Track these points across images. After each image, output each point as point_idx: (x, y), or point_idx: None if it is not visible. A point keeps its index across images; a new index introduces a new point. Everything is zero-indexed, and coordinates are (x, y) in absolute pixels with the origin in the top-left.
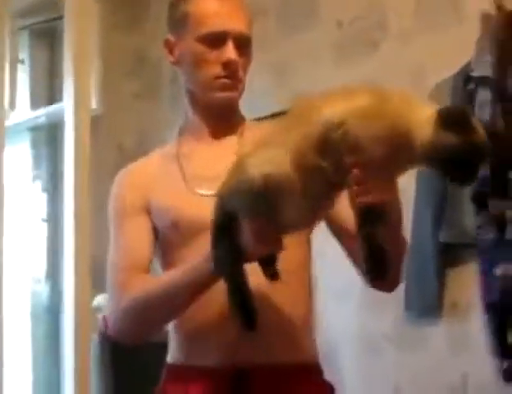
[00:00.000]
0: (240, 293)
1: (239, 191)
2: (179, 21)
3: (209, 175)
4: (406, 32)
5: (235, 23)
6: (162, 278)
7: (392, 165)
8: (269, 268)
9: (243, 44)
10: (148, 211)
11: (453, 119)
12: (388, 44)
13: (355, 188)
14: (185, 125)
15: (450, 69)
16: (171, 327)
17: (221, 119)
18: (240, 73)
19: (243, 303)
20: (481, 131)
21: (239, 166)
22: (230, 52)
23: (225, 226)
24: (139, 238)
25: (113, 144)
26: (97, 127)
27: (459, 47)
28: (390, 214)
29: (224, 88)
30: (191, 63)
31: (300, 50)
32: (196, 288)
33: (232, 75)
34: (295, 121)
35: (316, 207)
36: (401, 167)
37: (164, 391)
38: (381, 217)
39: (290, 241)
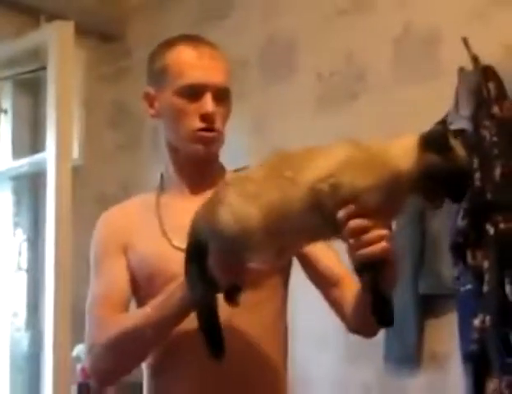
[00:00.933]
0: (209, 321)
1: (210, 227)
2: (158, 74)
3: (187, 228)
4: (384, 84)
5: (213, 75)
6: (136, 314)
7: (387, 208)
8: (232, 295)
9: (222, 96)
10: (125, 252)
11: (434, 140)
12: (367, 96)
13: (352, 242)
14: (166, 177)
15: (428, 122)
16: (144, 378)
17: (201, 172)
18: (219, 125)
19: (212, 331)
20: (461, 148)
21: (216, 201)
22: (208, 104)
23: (197, 253)
24: (117, 277)
25: (95, 195)
26: (79, 177)
27: (436, 100)
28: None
29: (203, 141)
30: (170, 116)
31: (280, 101)
32: (170, 319)
33: (211, 128)
34: (272, 176)
35: (283, 253)
36: (395, 207)
37: None
38: (383, 265)
39: (266, 294)
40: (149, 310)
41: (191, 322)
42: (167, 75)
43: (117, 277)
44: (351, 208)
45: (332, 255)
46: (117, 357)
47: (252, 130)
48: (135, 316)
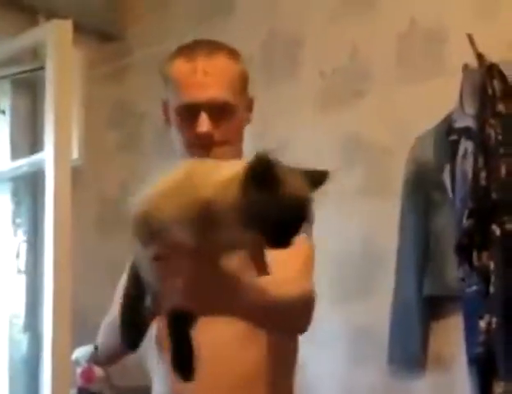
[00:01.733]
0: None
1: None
2: (164, 83)
3: None
4: (389, 82)
5: (207, 91)
6: None
7: (203, 247)
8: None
9: (221, 110)
10: None
11: (257, 173)
12: (371, 95)
13: (160, 286)
14: None
15: (432, 119)
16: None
17: None
18: (219, 139)
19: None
20: (293, 184)
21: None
22: (201, 125)
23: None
24: None
25: (95, 195)
26: (78, 178)
27: (441, 98)
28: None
29: (197, 157)
30: (174, 128)
31: (283, 98)
32: None
33: (208, 146)
34: None
35: None
36: (217, 245)
37: None
38: (192, 320)
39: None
40: None
41: None
42: (169, 89)
43: None
44: (156, 247)
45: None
46: (107, 342)
47: (254, 128)
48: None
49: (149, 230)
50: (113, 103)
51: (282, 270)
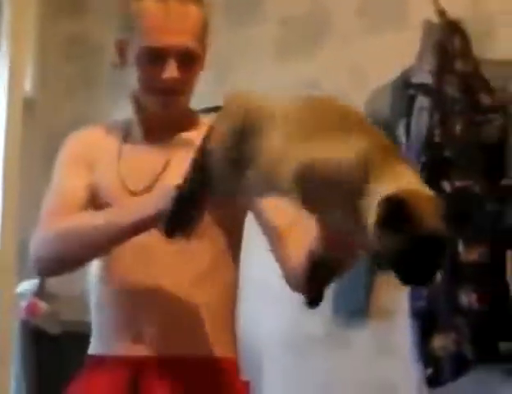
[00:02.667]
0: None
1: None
2: (126, 23)
3: (140, 175)
4: (349, 32)
5: (178, 37)
6: (93, 213)
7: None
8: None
9: (188, 58)
10: (91, 170)
11: (391, 213)
12: (330, 44)
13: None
14: (130, 122)
15: (390, 73)
16: (92, 316)
17: (161, 129)
18: (183, 88)
19: (181, 214)
20: (429, 221)
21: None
22: (169, 71)
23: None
24: (78, 183)
25: (46, 130)
26: (30, 111)
27: (400, 52)
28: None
29: (162, 104)
30: (136, 71)
31: (243, 45)
32: (125, 228)
33: (170, 92)
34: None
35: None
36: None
37: (74, 380)
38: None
39: (203, 244)
40: (109, 214)
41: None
42: (134, 30)
43: (79, 182)
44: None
45: (280, 205)
46: (63, 248)
47: (214, 74)
48: (92, 214)
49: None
50: (70, 36)
51: None
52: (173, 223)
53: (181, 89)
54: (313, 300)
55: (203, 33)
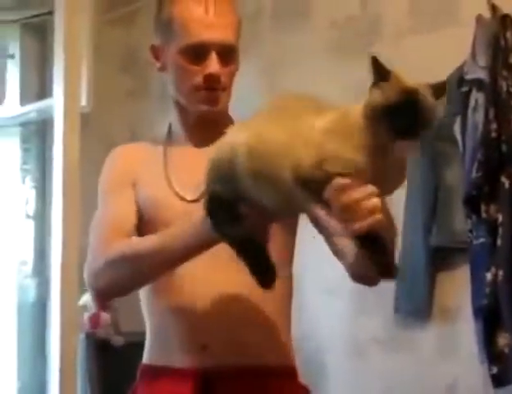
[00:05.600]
0: (253, 252)
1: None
2: (164, 26)
3: (189, 180)
4: (400, 33)
5: (218, 32)
6: (151, 237)
7: (376, 169)
8: (262, 272)
9: (227, 53)
10: (133, 187)
11: (375, 73)
12: (382, 45)
13: (344, 217)
14: (173, 128)
15: (443, 71)
16: (146, 327)
17: (206, 129)
18: (224, 83)
19: (257, 261)
20: (401, 81)
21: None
22: (212, 65)
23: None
24: (125, 206)
25: (103, 142)
26: (87, 124)
27: (453, 49)
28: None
29: (205, 101)
30: (175, 73)
31: (293, 49)
32: (188, 250)
33: (214, 88)
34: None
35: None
36: (385, 164)
37: (134, 390)
38: (381, 239)
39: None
40: (163, 237)
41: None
42: (172, 30)
43: (126, 206)
44: (339, 182)
45: None
46: (121, 275)
47: (264, 80)
48: (146, 240)
49: (325, 175)
50: (123, 49)
51: None
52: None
53: (224, 84)
54: (389, 271)
55: (239, 29)
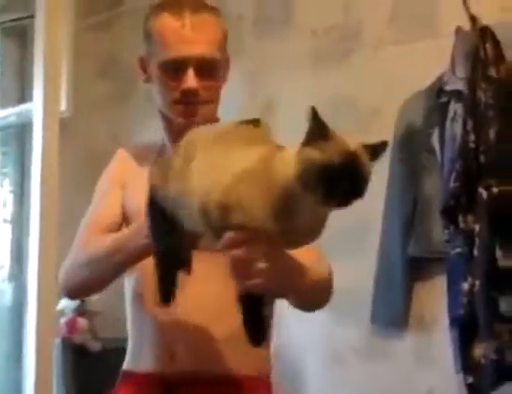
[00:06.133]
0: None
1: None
2: (146, 39)
3: None
4: (380, 42)
5: (196, 47)
6: (111, 238)
7: (283, 230)
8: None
9: (208, 67)
10: (122, 189)
11: (312, 131)
12: (362, 54)
13: (232, 268)
14: (162, 139)
15: (423, 81)
16: (128, 332)
17: None
18: (205, 97)
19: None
20: (342, 139)
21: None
22: (189, 80)
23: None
24: (111, 204)
25: (82, 147)
26: (66, 129)
27: (433, 59)
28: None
29: (183, 114)
30: (157, 86)
31: (275, 58)
32: (137, 251)
33: (192, 102)
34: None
35: None
36: (295, 228)
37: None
38: (265, 300)
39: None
40: (118, 237)
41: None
42: (152, 44)
43: (111, 204)
44: (235, 236)
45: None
46: (89, 274)
47: (246, 87)
48: (109, 239)
49: (226, 219)
50: (104, 54)
51: (308, 251)
52: (167, 286)
53: (204, 99)
54: (254, 338)
55: (222, 42)
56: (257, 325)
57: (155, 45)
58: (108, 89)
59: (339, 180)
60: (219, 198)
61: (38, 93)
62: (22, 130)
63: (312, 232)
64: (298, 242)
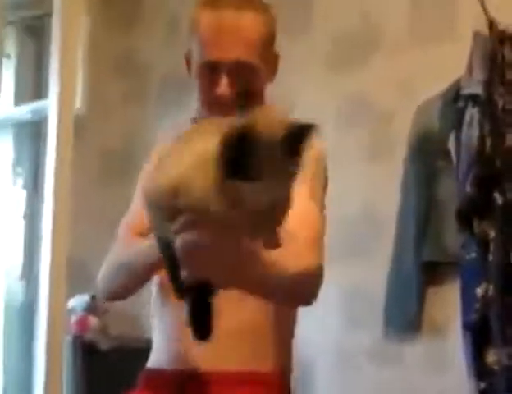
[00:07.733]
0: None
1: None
2: (190, 32)
3: None
4: (398, 46)
5: (231, 51)
6: (135, 245)
7: (231, 217)
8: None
9: (244, 72)
10: None
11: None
12: (380, 57)
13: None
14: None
15: (439, 85)
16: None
17: None
18: (238, 103)
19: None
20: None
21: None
22: (222, 87)
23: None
24: (139, 207)
25: (97, 145)
26: (81, 127)
27: (450, 63)
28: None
29: (219, 114)
30: (197, 83)
31: (293, 61)
32: (151, 265)
33: (226, 107)
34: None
35: None
36: (243, 216)
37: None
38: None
39: None
40: (142, 245)
41: None
42: (193, 40)
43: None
44: (184, 219)
45: (298, 231)
46: (116, 280)
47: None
48: (142, 244)
49: (176, 203)
50: (120, 53)
51: (293, 243)
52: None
53: (239, 103)
54: (201, 333)
55: (264, 42)
56: (203, 318)
57: (194, 42)
58: (124, 88)
59: (233, 152)
60: (168, 182)
61: (54, 91)
62: (37, 127)
63: (271, 212)
64: (262, 225)
